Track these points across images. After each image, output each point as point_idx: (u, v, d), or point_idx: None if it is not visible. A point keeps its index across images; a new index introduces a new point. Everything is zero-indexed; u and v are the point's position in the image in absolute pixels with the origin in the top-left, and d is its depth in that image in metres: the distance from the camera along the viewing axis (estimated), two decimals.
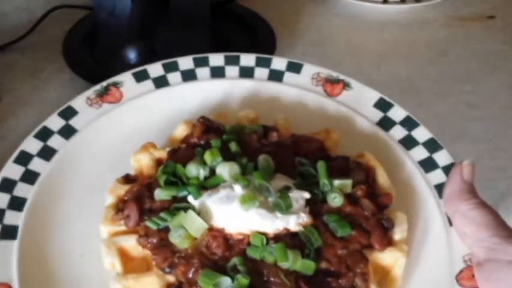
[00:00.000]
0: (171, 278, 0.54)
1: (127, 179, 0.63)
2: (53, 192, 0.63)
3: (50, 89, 0.91)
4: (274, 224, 0.55)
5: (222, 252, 0.54)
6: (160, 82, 0.73)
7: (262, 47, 0.97)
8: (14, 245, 0.58)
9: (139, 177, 0.63)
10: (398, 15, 1.08)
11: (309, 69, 0.75)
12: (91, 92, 0.71)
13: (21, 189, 0.62)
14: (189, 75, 0.74)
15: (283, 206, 0.55)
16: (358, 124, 0.70)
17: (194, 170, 0.59)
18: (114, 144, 0.68)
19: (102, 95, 0.71)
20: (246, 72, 0.75)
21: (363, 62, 0.98)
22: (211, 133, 0.64)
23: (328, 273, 0.54)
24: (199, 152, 0.61)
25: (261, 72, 0.75)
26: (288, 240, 0.54)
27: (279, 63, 0.76)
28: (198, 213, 0.56)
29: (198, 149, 0.62)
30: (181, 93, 0.73)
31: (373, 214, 0.58)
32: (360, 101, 0.71)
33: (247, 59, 0.76)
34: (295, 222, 0.55)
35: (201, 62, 0.75)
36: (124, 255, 0.57)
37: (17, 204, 0.61)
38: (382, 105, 0.71)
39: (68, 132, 0.68)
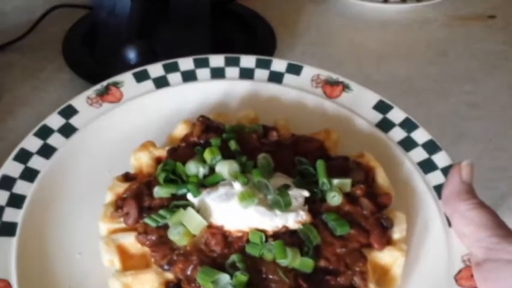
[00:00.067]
0: (169, 275, 0.55)
1: (126, 177, 0.63)
2: (53, 189, 0.64)
3: (50, 89, 0.91)
4: (273, 221, 0.55)
5: (221, 250, 0.54)
6: (161, 82, 0.74)
7: (262, 47, 0.97)
8: (13, 241, 0.58)
9: (138, 175, 0.63)
10: (398, 14, 1.08)
11: (308, 71, 0.75)
12: (91, 91, 0.72)
13: (21, 187, 0.62)
14: (189, 76, 0.75)
15: (282, 204, 0.55)
16: (357, 125, 0.70)
17: (194, 168, 0.59)
18: (114, 143, 0.68)
19: (103, 94, 0.71)
20: (246, 74, 0.75)
21: (363, 61, 0.98)
22: (211, 132, 0.64)
23: (326, 271, 0.54)
24: (199, 150, 0.61)
25: (261, 74, 0.75)
26: (287, 237, 0.54)
27: (278, 64, 0.76)
28: (197, 211, 0.56)
29: (197, 148, 0.62)
30: (182, 93, 0.73)
31: (372, 213, 0.58)
32: (359, 103, 0.72)
33: (247, 61, 0.76)
34: (294, 220, 0.55)
35: (202, 63, 0.76)
36: (123, 253, 0.57)
37: (16, 201, 0.61)
38: (382, 107, 0.71)
39: (68, 130, 0.68)
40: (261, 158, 0.60)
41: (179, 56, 0.76)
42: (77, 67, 0.92)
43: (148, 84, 0.73)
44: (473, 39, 1.04)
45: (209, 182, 0.58)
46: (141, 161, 0.64)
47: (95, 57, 0.94)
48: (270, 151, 0.61)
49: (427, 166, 0.65)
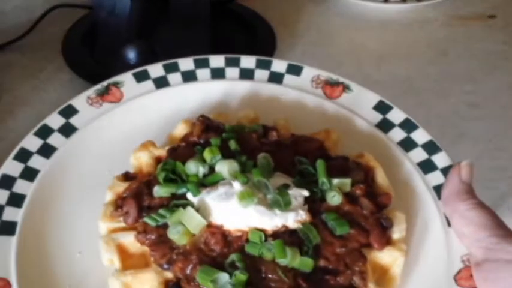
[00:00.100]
0: (169, 274, 0.55)
1: (126, 176, 0.63)
2: (52, 189, 0.64)
3: (50, 89, 0.91)
4: (273, 220, 0.55)
5: (220, 249, 0.54)
6: (161, 82, 0.74)
7: (262, 47, 0.97)
8: (12, 240, 0.58)
9: (138, 175, 0.63)
10: (398, 14, 1.08)
11: (308, 72, 0.75)
12: (92, 91, 0.72)
13: (21, 186, 0.62)
14: (189, 76, 0.75)
15: (282, 203, 0.55)
16: (357, 125, 0.70)
17: (193, 168, 0.59)
18: (114, 143, 0.68)
19: (103, 94, 0.71)
20: (246, 74, 0.75)
21: (363, 61, 0.98)
22: (211, 132, 0.64)
23: (326, 270, 0.54)
24: (198, 150, 0.61)
25: (261, 74, 0.75)
26: (287, 237, 0.54)
27: (279, 65, 0.76)
28: (197, 210, 0.56)
29: (197, 147, 0.62)
30: (182, 93, 0.73)
31: (372, 213, 0.58)
32: (359, 103, 0.72)
33: (248, 61, 0.76)
34: (293, 219, 0.55)
35: (202, 63, 0.76)
36: (123, 252, 0.57)
37: (16, 200, 0.61)
38: (382, 107, 0.71)
39: (68, 130, 0.68)
40: (260, 158, 0.60)
41: (179, 56, 0.76)
42: (76, 67, 0.92)
43: (149, 84, 0.73)
44: (473, 39, 1.04)
45: (209, 181, 0.58)
46: (141, 161, 0.64)
47: (95, 57, 0.94)
48: (269, 151, 0.61)
49: (426, 166, 0.65)
